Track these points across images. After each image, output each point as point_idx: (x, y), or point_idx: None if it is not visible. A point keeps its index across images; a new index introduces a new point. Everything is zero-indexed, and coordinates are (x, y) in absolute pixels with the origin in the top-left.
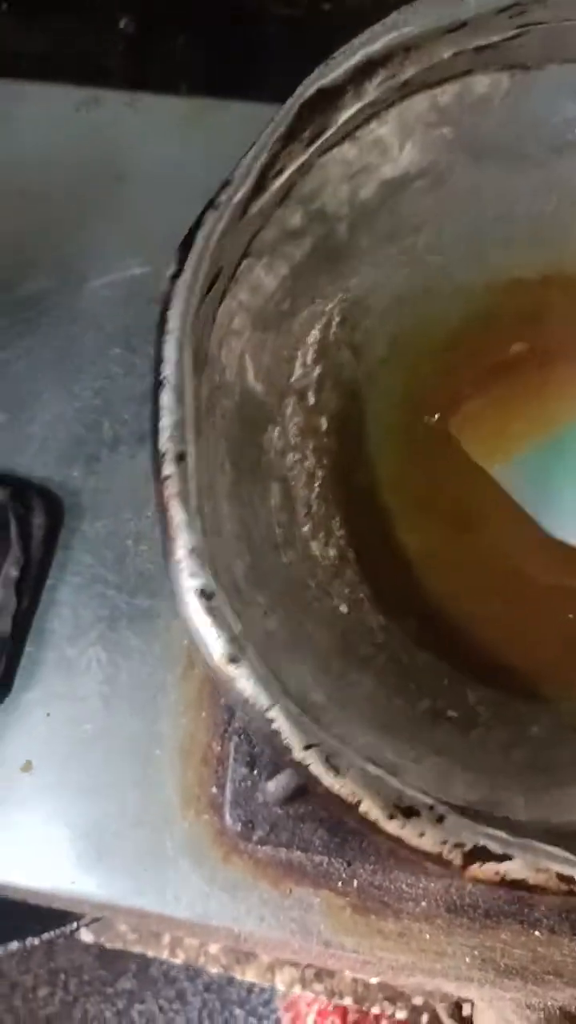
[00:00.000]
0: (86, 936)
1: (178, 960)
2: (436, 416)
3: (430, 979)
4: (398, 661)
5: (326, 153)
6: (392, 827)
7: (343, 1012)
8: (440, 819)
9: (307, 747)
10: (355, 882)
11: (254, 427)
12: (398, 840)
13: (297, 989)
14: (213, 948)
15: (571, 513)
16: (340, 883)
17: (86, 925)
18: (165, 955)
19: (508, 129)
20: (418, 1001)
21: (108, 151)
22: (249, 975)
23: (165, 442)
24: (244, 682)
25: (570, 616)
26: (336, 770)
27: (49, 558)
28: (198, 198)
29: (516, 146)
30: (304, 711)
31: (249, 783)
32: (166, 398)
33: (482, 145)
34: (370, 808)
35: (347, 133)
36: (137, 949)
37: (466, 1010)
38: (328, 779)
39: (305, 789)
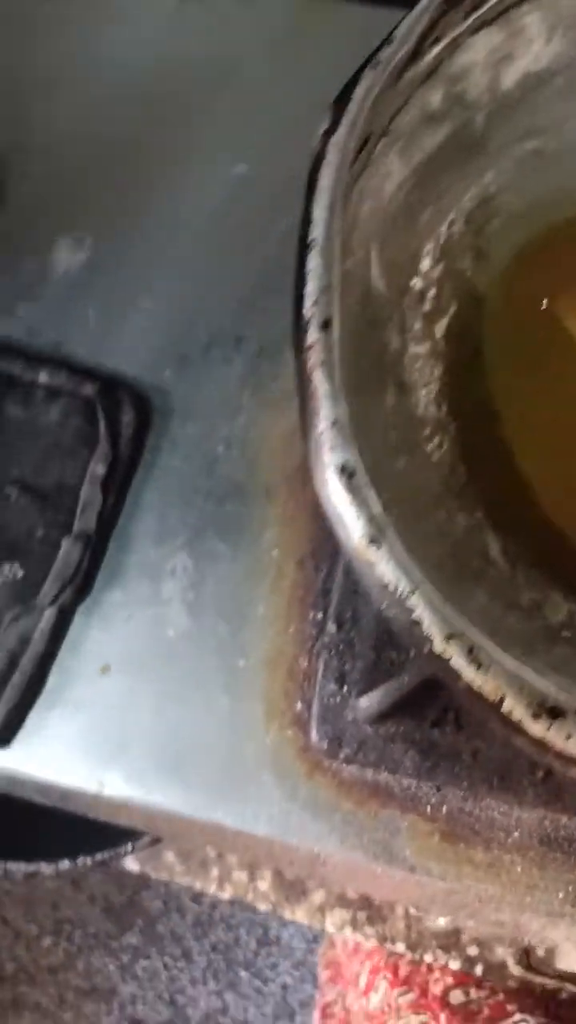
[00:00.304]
0: (131, 865)
1: (226, 895)
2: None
3: (519, 914)
4: (511, 578)
5: (477, 32)
6: (537, 728)
7: (394, 967)
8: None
9: (449, 637)
10: (445, 808)
11: (374, 324)
12: (541, 744)
13: (348, 931)
14: (263, 884)
15: None
16: (429, 808)
17: (133, 852)
18: (213, 888)
19: None
20: (472, 951)
21: (214, 49)
22: (299, 915)
23: (310, 308)
24: (384, 566)
25: None
26: (479, 664)
27: (137, 457)
28: (305, 102)
29: None
30: None
31: (338, 699)
32: (313, 261)
33: None
34: (514, 706)
35: (501, 11)
36: (185, 881)
37: (539, 953)
38: (470, 673)
39: (401, 706)
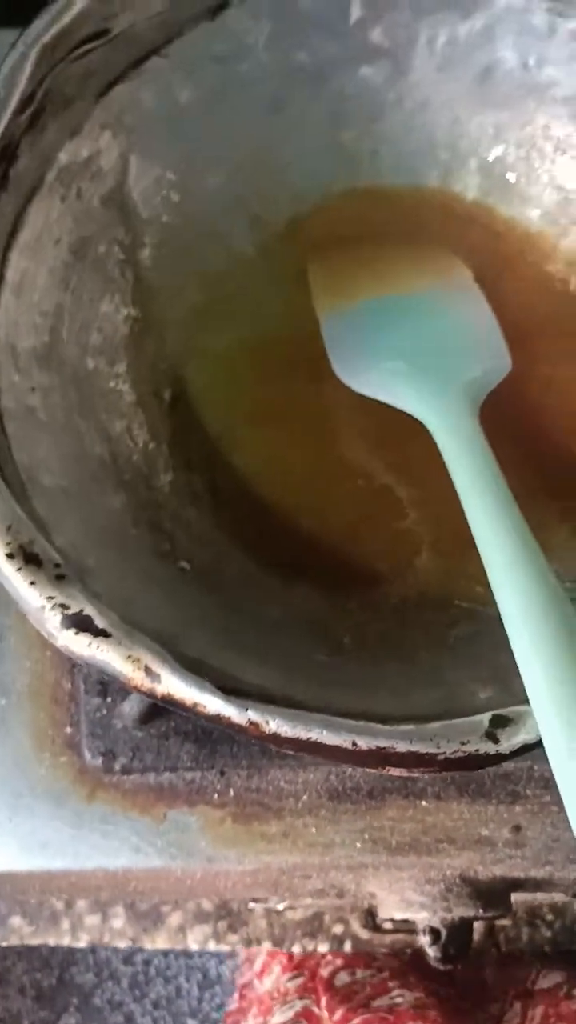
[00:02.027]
0: None
1: (81, 943)
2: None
3: (326, 876)
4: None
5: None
6: (7, 567)
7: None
8: (59, 577)
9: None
10: (231, 791)
11: None
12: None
13: (212, 945)
14: (117, 922)
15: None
16: (216, 795)
17: None
18: (67, 941)
19: None
20: (337, 930)
21: None
22: (160, 942)
23: None
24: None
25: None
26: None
27: None
28: None
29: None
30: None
31: (104, 711)
32: None
33: None
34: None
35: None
36: (36, 941)
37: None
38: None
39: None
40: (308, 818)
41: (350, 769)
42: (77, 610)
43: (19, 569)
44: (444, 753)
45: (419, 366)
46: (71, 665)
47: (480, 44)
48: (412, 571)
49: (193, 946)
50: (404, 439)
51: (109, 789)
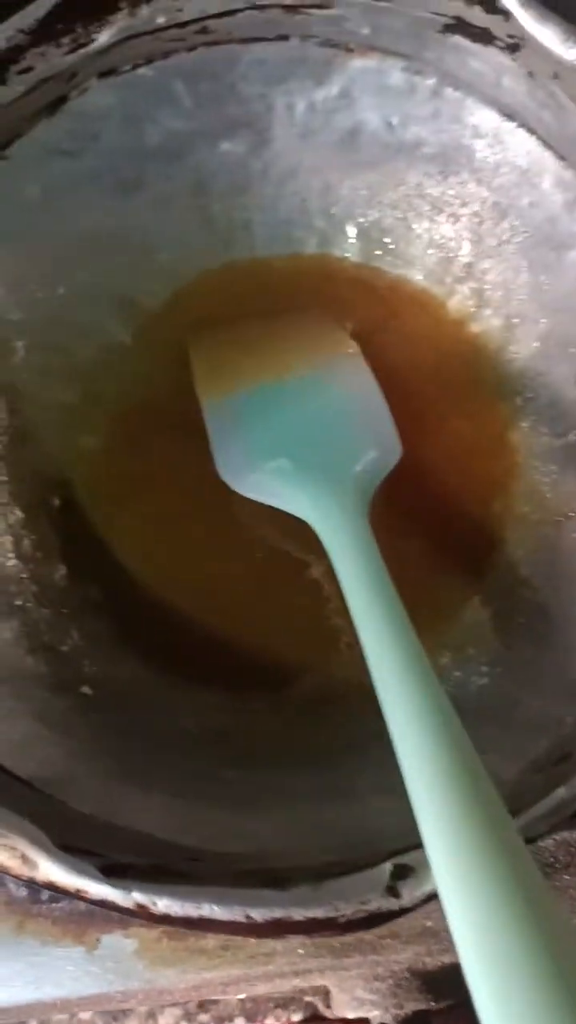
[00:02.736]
0: None
1: None
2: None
3: (268, 983)
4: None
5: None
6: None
7: None
8: None
9: None
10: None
11: None
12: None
13: None
14: (85, 1015)
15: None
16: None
17: None
18: None
19: None
20: (311, 998)
21: None
22: None
23: None
24: None
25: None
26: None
27: None
28: None
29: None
30: None
31: None
32: None
33: None
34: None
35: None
36: None
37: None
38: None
39: None
40: None
41: None
42: None
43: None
44: (344, 915)
45: (304, 464)
46: None
47: (340, 108)
48: (327, 664)
49: None
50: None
51: (38, 919)
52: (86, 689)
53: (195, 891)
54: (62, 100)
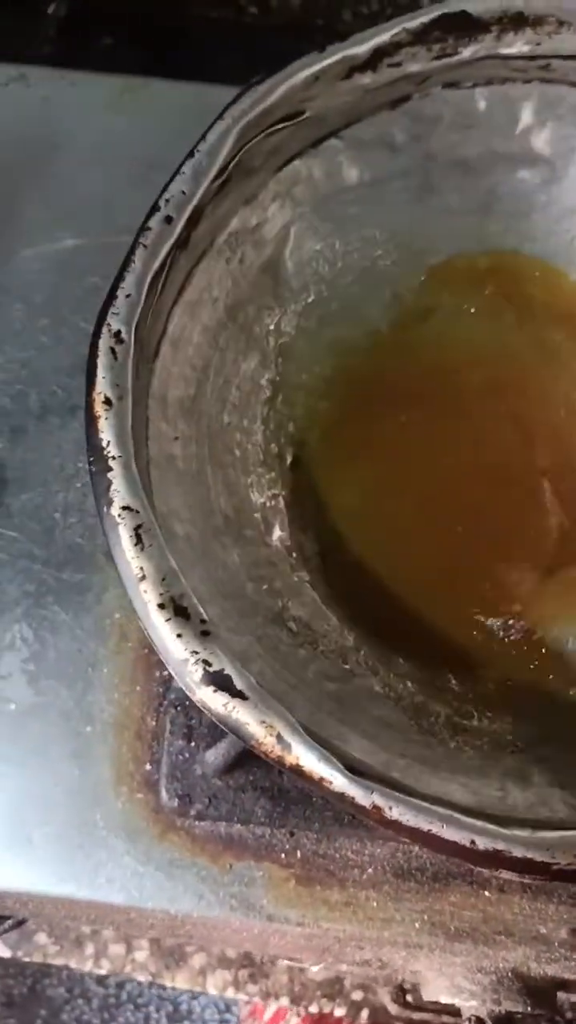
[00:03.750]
0: (2, 951)
1: (103, 970)
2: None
3: (379, 949)
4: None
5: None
6: (157, 617)
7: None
8: (204, 633)
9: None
10: (299, 852)
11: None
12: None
13: (230, 992)
14: (140, 955)
15: None
16: (283, 854)
17: (3, 933)
18: (89, 966)
19: None
20: (357, 996)
21: (40, 127)
22: (179, 981)
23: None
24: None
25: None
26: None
27: None
28: (127, 173)
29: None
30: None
31: (186, 755)
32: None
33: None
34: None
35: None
36: (59, 961)
37: (409, 988)
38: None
39: (248, 754)
40: (371, 891)
41: (417, 849)
42: (218, 668)
43: (168, 620)
44: (559, 864)
45: None
46: (159, 703)
47: None
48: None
49: (212, 991)
50: None
51: (180, 832)
52: (292, 625)
53: (429, 809)
54: (405, 99)
